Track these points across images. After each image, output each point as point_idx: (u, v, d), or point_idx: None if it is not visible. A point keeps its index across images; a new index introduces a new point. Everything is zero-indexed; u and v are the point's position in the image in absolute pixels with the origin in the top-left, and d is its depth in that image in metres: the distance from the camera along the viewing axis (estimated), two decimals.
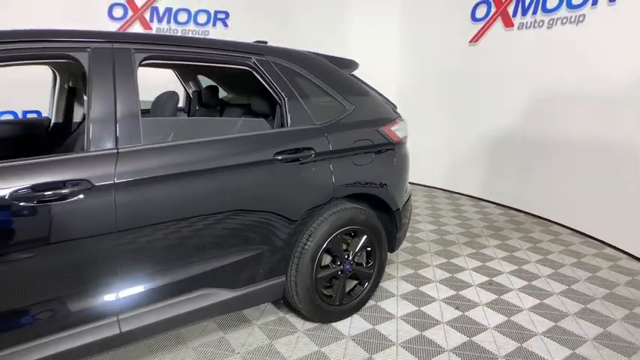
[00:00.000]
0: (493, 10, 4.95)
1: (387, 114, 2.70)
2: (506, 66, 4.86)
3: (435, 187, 5.92)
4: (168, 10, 6.28)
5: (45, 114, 3.28)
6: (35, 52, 1.69)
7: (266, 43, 2.62)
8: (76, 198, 1.60)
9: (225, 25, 6.52)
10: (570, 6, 4.21)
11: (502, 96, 4.90)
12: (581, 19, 4.12)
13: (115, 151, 1.72)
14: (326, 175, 2.31)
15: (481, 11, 5.10)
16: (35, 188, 1.54)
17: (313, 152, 2.25)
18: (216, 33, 6.49)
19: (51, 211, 1.57)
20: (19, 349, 1.57)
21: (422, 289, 3.00)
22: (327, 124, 2.37)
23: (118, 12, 6.01)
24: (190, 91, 3.47)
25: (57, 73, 2.88)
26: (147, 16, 6.17)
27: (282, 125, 2.28)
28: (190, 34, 6.40)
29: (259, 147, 2.11)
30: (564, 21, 4.27)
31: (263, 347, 2.30)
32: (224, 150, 2.01)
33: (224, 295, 2.09)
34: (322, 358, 2.22)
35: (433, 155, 5.70)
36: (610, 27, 3.86)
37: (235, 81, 3.18)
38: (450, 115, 5.51)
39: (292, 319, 2.58)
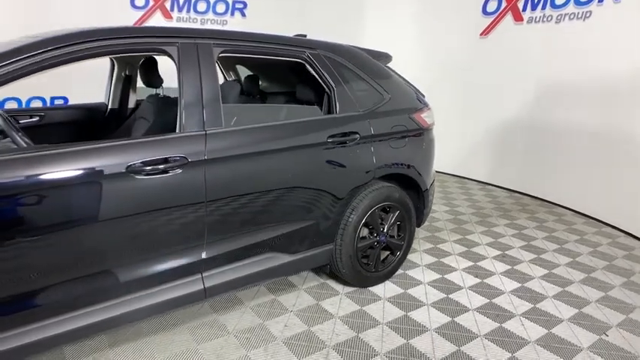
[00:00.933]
0: (504, 4, 5.24)
1: (418, 102, 3.02)
2: (515, 58, 5.15)
3: (444, 173, 6.25)
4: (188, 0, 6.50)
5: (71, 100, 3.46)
6: (137, 46, 1.99)
7: (305, 36, 2.90)
8: (175, 172, 1.91)
9: (243, 14, 6.74)
10: (578, 3, 4.51)
11: (510, 86, 5.21)
12: (587, 15, 4.42)
13: (204, 132, 2.02)
14: (368, 156, 2.63)
15: (492, 5, 5.38)
16: (145, 163, 1.84)
17: (358, 136, 2.57)
18: (234, 22, 6.71)
19: (156, 183, 1.87)
20: (136, 295, 1.91)
21: (443, 260, 3.35)
22: (369, 111, 2.68)
23: (139, 1, 6.22)
24: (230, 80, 3.75)
25: (115, 63, 3.15)
26: (167, 5, 6.38)
27: (330, 112, 2.59)
28: (209, 24, 6.63)
29: (316, 130, 2.42)
30: (572, 16, 4.57)
31: (311, 307, 2.64)
32: (289, 132, 2.32)
33: (284, 258, 2.42)
34: (365, 315, 2.56)
35: (443, 142, 5.99)
36: (615, 23, 4.16)
37: (274, 71, 3.46)
38: (461, 104, 5.81)
39: (333, 284, 2.91)
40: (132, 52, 2.02)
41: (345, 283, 2.89)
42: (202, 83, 2.07)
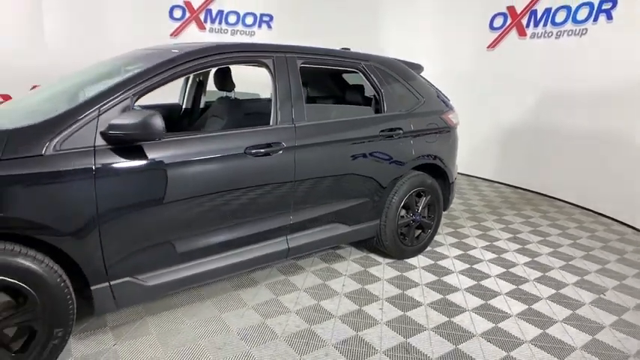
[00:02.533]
0: (509, 21, 5.87)
1: (446, 105, 3.61)
2: (519, 69, 5.77)
3: None
4: (220, 12, 7.10)
5: None
6: (245, 59, 2.55)
7: (349, 49, 3.49)
8: (276, 154, 2.47)
9: (270, 27, 7.35)
10: (575, 21, 5.14)
11: (515, 94, 5.82)
12: (584, 32, 5.05)
13: (293, 125, 2.59)
14: (409, 148, 3.21)
15: (498, 21, 6.01)
16: (255, 147, 2.40)
17: (402, 131, 3.14)
18: (261, 33, 7.31)
19: (263, 162, 2.44)
20: (247, 249, 2.49)
21: (463, 240, 3.92)
22: (409, 111, 3.26)
23: (177, 13, 6.81)
24: None
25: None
26: (202, 17, 6.98)
27: (379, 111, 3.17)
28: (238, 35, 7.23)
29: (372, 125, 3.00)
30: (570, 33, 5.20)
31: (360, 272, 3.20)
32: (352, 127, 2.89)
33: (344, 229, 2.98)
34: (406, 279, 3.12)
35: None
36: (608, 39, 4.79)
37: (318, 78, 4.04)
38: (469, 109, 6.39)
39: (374, 256, 3.47)
40: (241, 63, 2.58)
41: (384, 255, 3.45)
42: (291, 87, 2.64)
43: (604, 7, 4.85)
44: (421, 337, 2.44)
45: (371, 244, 3.43)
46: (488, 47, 6.15)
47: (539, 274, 3.30)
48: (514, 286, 3.09)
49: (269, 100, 2.71)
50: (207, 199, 2.27)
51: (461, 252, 3.66)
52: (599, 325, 2.65)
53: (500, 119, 6.06)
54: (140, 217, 2.07)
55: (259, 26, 7.35)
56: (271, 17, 7.34)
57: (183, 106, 3.80)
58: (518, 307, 2.81)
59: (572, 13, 5.18)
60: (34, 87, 5.62)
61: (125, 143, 1.98)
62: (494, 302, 2.85)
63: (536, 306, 2.83)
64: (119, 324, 2.43)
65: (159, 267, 2.20)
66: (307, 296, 2.81)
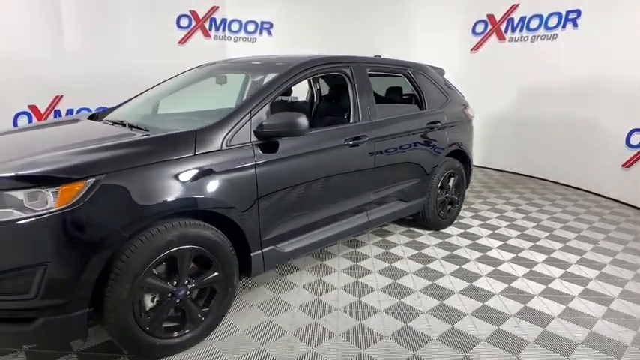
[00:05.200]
0: (489, 27, 6.78)
1: (465, 101, 4.38)
2: (499, 68, 6.69)
3: None
4: (224, 20, 7.57)
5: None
6: (332, 69, 3.16)
7: (380, 56, 4.17)
8: (363, 145, 3.12)
9: (270, 34, 7.88)
10: (547, 27, 6.10)
11: (497, 90, 6.74)
12: (555, 36, 6.02)
13: (370, 121, 3.24)
14: (444, 138, 3.94)
15: (480, 27, 6.91)
16: (351, 139, 3.03)
17: (440, 124, 3.87)
18: (262, 40, 7.84)
19: (355, 151, 3.07)
20: (347, 220, 3.12)
21: (479, 214, 4.72)
22: (442, 107, 4.00)
23: (184, 22, 7.19)
24: (314, 89, 4.90)
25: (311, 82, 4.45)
26: (207, 25, 7.40)
27: (422, 108, 3.87)
28: (241, 41, 7.72)
29: (422, 120, 3.70)
30: (543, 38, 6.16)
31: (410, 242, 3.89)
32: (410, 121, 3.59)
33: (403, 205, 3.67)
34: (448, 244, 3.86)
35: None
36: (574, 43, 5.77)
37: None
38: None
39: (415, 229, 4.18)
40: (329, 72, 3.18)
41: (422, 227, 4.17)
42: (366, 91, 3.28)
43: (570, 16, 5.83)
44: (481, 280, 3.18)
45: (408, 222, 4.15)
46: (472, 50, 7.03)
47: (529, 244, 4.09)
48: (531, 243, 3.90)
49: (304, 102, 3.45)
50: (323, 181, 2.88)
51: (482, 222, 4.45)
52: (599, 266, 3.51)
53: (486, 112, 6.95)
54: (280, 197, 2.64)
55: (260, 33, 7.87)
56: (271, 24, 7.88)
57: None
58: (540, 256, 3.62)
59: (544, 20, 6.14)
60: (56, 97, 5.90)
61: (272, 139, 2.55)
62: (523, 254, 3.64)
63: (541, 251, 3.66)
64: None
65: (290, 237, 2.78)
66: (379, 261, 3.47)
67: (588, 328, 2.61)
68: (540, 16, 6.19)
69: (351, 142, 3.04)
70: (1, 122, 5.35)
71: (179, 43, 7.21)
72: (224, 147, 2.36)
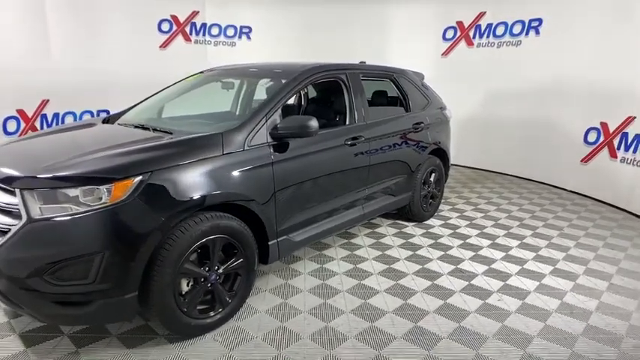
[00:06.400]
0: (458, 33, 7.27)
1: (443, 103, 4.79)
2: (468, 72, 7.18)
3: None
4: (204, 25, 7.74)
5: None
6: (330, 75, 3.45)
7: (365, 62, 4.52)
8: (360, 144, 3.43)
9: (249, 38, 8.09)
10: (512, 34, 6.64)
11: (465, 93, 7.23)
12: (519, 43, 6.56)
13: (364, 123, 3.56)
14: (427, 137, 4.32)
15: (449, 34, 7.39)
16: (349, 139, 3.34)
17: (424, 124, 4.25)
18: (241, 44, 8.04)
19: (353, 150, 3.38)
20: (345, 213, 3.42)
21: (456, 207, 5.14)
22: (424, 109, 4.38)
23: (165, 27, 7.31)
24: (302, 93, 5.17)
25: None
26: (187, 29, 7.54)
27: (407, 110, 4.23)
28: (220, 45, 7.90)
29: (408, 121, 4.06)
30: (508, 44, 6.69)
31: (398, 233, 4.25)
32: (398, 122, 3.93)
33: (392, 199, 4.01)
34: (432, 234, 4.23)
35: None
36: (536, 49, 6.32)
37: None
38: None
39: (401, 222, 4.54)
40: (328, 78, 3.47)
41: (407, 220, 4.54)
42: (361, 95, 3.60)
43: (533, 24, 6.38)
44: (465, 264, 3.56)
45: (393, 215, 4.51)
46: (442, 54, 7.51)
47: (517, 222, 4.59)
48: (505, 231, 4.34)
49: (294, 106, 3.87)
50: (327, 177, 3.18)
51: (459, 214, 4.87)
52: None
53: (456, 113, 7.36)
54: (292, 191, 2.92)
55: (239, 37, 8.06)
56: (250, 29, 8.09)
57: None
58: (514, 242, 4.06)
59: (509, 28, 6.67)
60: (43, 101, 5.92)
61: (285, 139, 2.83)
62: (499, 240, 4.07)
63: (519, 229, 4.11)
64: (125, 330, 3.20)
65: (300, 228, 3.06)
66: (373, 250, 3.80)
67: (559, 299, 3.03)
68: (506, 24, 6.72)
69: (349, 142, 3.36)
70: None
71: (161, 47, 7.32)
72: (246, 147, 2.62)
